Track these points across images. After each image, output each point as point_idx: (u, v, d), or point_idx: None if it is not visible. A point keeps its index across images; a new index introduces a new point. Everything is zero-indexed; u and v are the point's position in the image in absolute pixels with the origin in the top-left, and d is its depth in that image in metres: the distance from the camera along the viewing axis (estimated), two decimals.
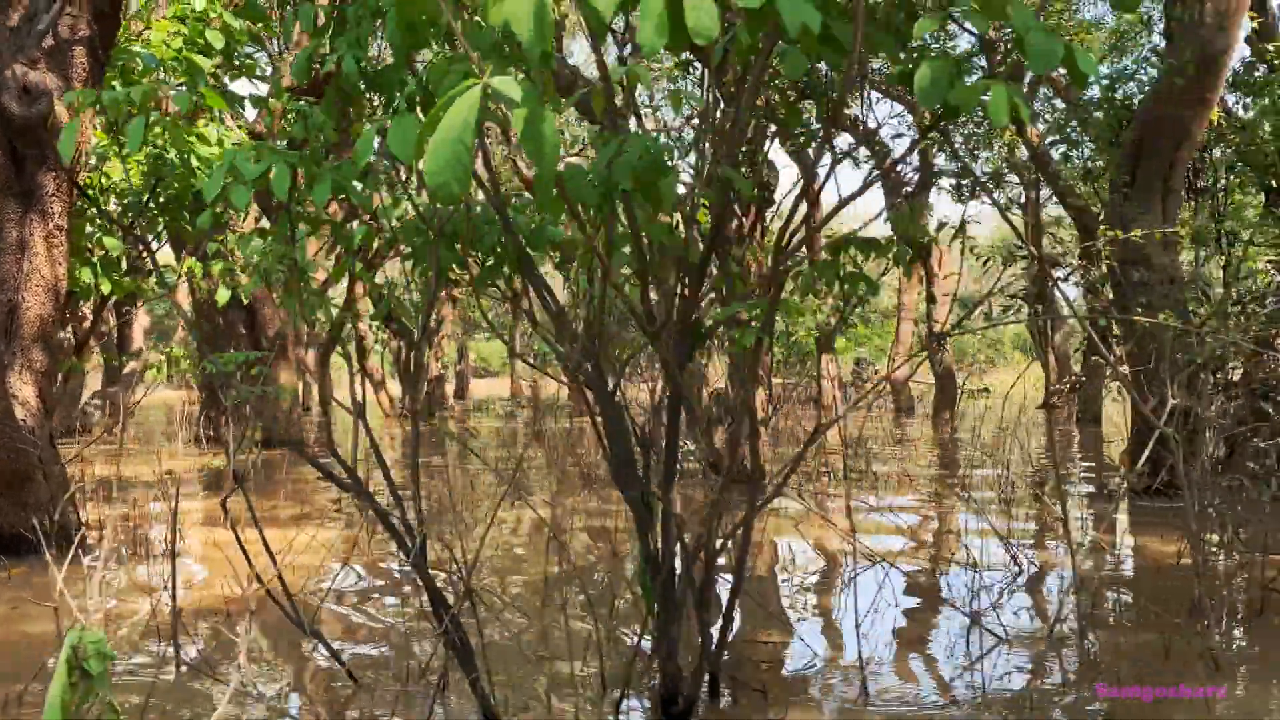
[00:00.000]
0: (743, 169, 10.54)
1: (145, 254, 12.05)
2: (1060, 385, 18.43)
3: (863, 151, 17.82)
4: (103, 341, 19.99)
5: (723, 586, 4.68)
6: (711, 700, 3.75)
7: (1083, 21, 13.30)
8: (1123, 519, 7.65)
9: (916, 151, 21.96)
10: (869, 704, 3.72)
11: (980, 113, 19.05)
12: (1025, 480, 9.26)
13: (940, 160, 20.54)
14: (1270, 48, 9.23)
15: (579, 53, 27.49)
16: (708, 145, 3.66)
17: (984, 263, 11.82)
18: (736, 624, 4.66)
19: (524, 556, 6.60)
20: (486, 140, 3.72)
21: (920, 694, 3.84)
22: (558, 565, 5.89)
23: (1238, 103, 9.87)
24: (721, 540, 3.78)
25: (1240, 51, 9.51)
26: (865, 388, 24.42)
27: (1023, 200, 20.38)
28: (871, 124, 22.53)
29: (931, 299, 20.36)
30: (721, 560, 4.44)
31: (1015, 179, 20.08)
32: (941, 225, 7.21)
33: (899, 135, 22.50)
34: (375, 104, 3.90)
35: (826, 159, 12.20)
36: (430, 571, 3.38)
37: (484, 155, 3.42)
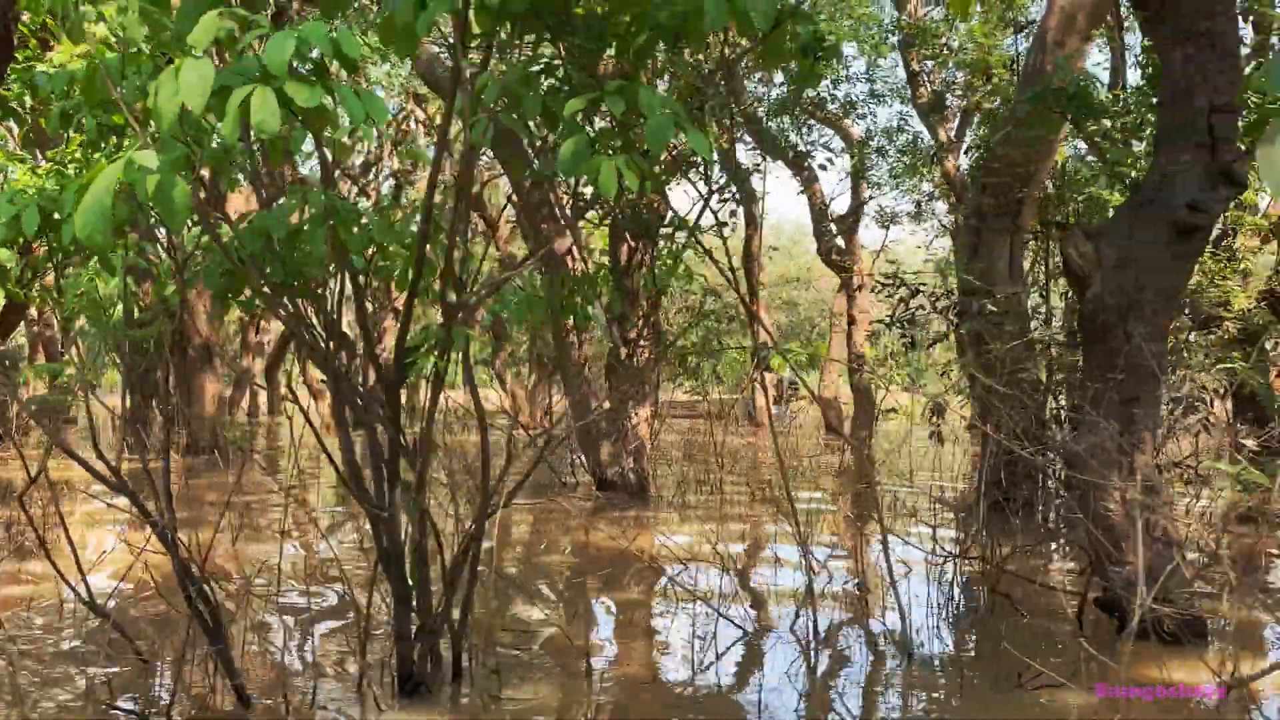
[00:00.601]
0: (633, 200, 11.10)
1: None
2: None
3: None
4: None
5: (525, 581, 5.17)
6: (454, 680, 4.24)
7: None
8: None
9: (850, 180, 22.67)
10: (592, 683, 4.23)
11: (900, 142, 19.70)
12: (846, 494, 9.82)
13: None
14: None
15: None
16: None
17: (872, 289, 12.42)
18: (509, 614, 5.16)
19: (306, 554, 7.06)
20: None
21: (640, 675, 4.36)
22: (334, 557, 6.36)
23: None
24: (466, 540, 4.27)
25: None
26: (793, 405, 25.01)
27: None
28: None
29: (852, 320, 20.99)
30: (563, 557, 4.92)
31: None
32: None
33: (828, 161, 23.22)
34: None
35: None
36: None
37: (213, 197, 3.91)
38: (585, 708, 3.98)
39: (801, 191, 22.11)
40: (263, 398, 33.57)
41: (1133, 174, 8.03)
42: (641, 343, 11.31)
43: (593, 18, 3.63)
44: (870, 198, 21.76)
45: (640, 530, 8.26)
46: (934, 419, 10.99)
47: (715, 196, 11.26)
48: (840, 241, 22.38)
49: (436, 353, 3.81)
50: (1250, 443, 7.95)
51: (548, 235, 11.24)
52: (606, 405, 11.44)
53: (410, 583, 4.23)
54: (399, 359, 3.72)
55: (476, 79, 3.63)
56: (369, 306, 3.88)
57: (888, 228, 21.19)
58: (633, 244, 11.35)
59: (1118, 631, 5.02)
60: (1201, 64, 4.91)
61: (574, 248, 11.35)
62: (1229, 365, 8.59)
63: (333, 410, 3.98)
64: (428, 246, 3.65)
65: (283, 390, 27.45)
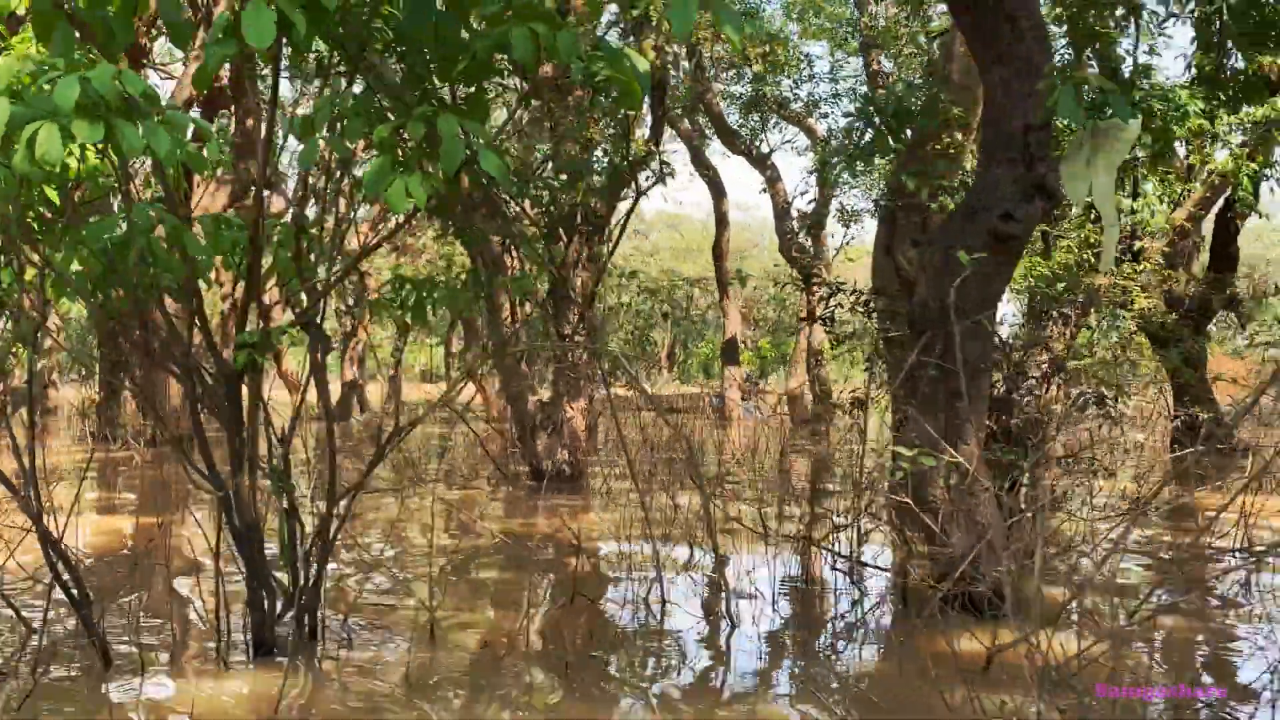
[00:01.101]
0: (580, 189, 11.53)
1: None
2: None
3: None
4: None
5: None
6: (310, 642, 4.67)
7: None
8: None
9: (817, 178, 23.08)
10: (437, 648, 4.67)
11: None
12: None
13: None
14: None
15: None
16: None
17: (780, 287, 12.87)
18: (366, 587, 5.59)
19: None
20: None
21: (482, 639, 4.79)
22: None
23: None
24: (321, 520, 4.70)
25: None
26: (762, 401, 25.44)
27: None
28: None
29: (812, 317, 21.41)
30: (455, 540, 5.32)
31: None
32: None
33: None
34: None
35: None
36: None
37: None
38: (420, 666, 4.41)
39: (763, 190, 22.56)
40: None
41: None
42: (576, 338, 11.74)
43: (413, 49, 4.05)
44: (833, 196, 22.15)
45: (554, 517, 8.68)
46: (853, 412, 11.46)
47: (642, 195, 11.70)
48: (805, 239, 22.83)
49: (258, 349, 4.19)
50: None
51: (485, 234, 11.66)
52: (543, 398, 11.89)
53: (281, 557, 4.70)
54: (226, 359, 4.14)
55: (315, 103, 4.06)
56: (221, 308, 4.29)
57: (848, 225, 21.59)
58: (573, 244, 11.79)
59: (941, 607, 5.45)
60: (1016, 85, 5.33)
61: (511, 245, 11.79)
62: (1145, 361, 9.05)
63: (182, 404, 4.40)
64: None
65: None
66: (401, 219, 4.20)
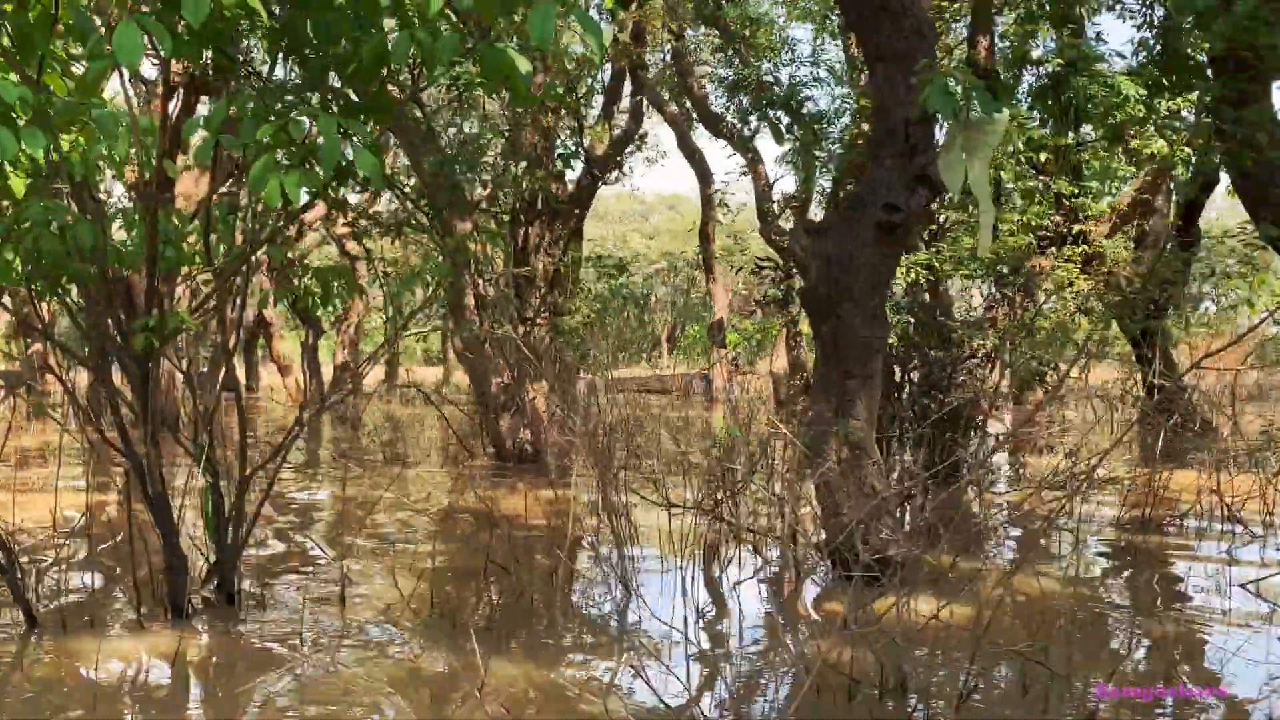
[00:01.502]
0: (538, 176, 11.85)
1: None
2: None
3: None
4: None
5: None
6: (229, 605, 5.03)
7: None
8: None
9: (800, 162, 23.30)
10: (347, 613, 5.03)
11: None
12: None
13: None
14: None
15: None
16: None
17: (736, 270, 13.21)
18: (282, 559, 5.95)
19: None
20: None
21: (386, 602, 5.15)
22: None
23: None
24: (238, 490, 5.05)
25: None
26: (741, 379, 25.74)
27: None
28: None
29: (764, 300, 21.77)
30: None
31: None
32: None
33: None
34: None
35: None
36: None
37: None
38: (319, 627, 4.77)
39: (744, 172, 22.79)
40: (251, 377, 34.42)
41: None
42: (538, 321, 12.08)
43: (304, 54, 4.38)
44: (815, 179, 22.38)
45: (513, 494, 9.03)
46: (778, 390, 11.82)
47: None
48: (785, 223, 23.09)
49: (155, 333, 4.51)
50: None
51: (450, 222, 12.00)
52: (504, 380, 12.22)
53: (206, 527, 5.07)
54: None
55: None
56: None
57: (826, 209, 21.83)
58: (531, 228, 12.12)
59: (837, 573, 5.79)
60: (898, 80, 5.63)
61: (474, 231, 12.11)
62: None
63: (91, 387, 4.75)
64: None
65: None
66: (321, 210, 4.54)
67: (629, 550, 5.84)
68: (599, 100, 17.18)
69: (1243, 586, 5.65)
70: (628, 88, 17.16)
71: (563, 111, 11.87)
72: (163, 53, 3.46)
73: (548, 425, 12.29)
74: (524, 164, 11.70)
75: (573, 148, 11.70)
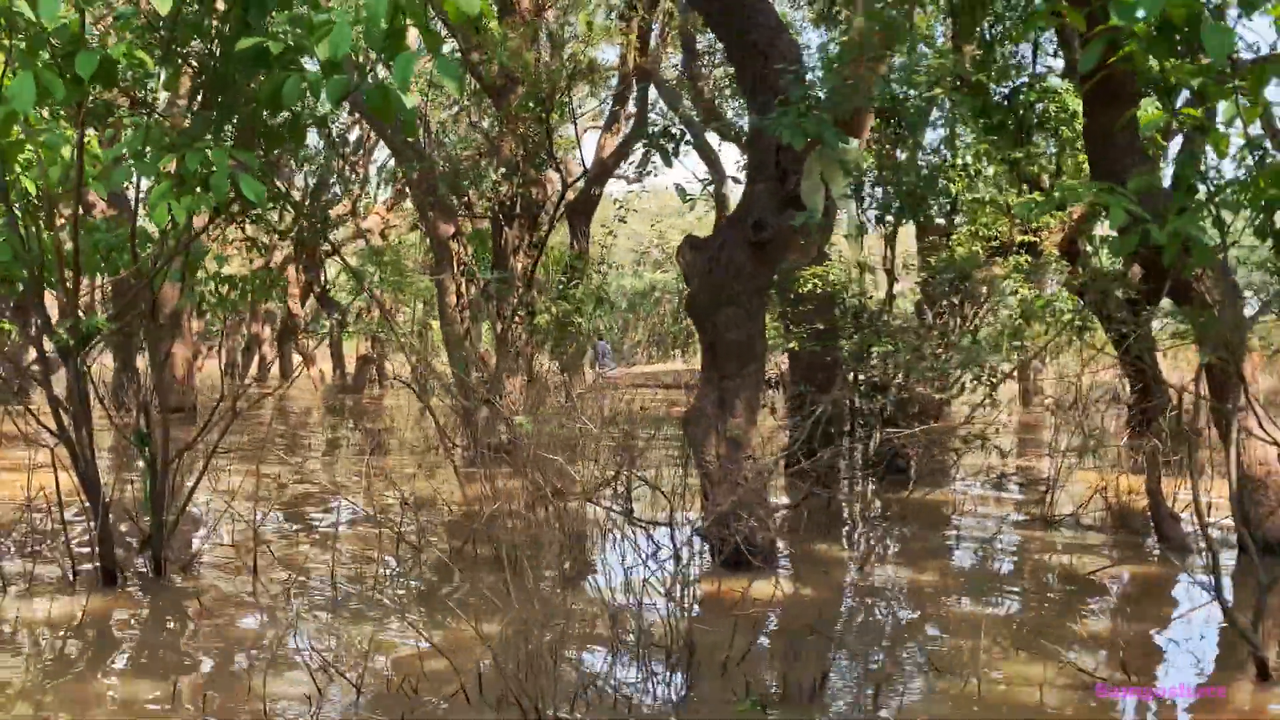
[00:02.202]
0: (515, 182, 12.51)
1: None
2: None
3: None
4: None
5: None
6: (156, 577, 5.72)
7: None
8: None
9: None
10: (257, 582, 5.71)
11: None
12: None
13: None
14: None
15: None
16: None
17: None
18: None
19: None
20: None
21: (303, 572, 5.82)
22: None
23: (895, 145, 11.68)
24: (162, 471, 5.74)
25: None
26: None
27: None
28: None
29: None
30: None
31: None
32: None
33: None
34: None
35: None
36: None
37: None
38: (225, 594, 5.45)
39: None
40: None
41: None
42: (516, 319, 12.73)
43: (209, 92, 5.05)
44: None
45: (469, 482, 9.66)
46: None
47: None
48: None
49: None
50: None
51: (435, 222, 12.70)
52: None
53: (145, 505, 5.77)
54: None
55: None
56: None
57: None
58: (512, 231, 12.77)
59: (713, 557, 6.37)
60: (770, 111, 6.18)
61: (457, 234, 12.80)
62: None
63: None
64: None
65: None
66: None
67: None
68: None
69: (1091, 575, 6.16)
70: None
71: (545, 118, 12.46)
72: (56, 98, 4.14)
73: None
74: (502, 170, 12.35)
75: (544, 157, 12.33)
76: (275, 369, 36.01)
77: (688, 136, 15.80)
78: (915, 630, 5.25)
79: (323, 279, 28.98)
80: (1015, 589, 6.20)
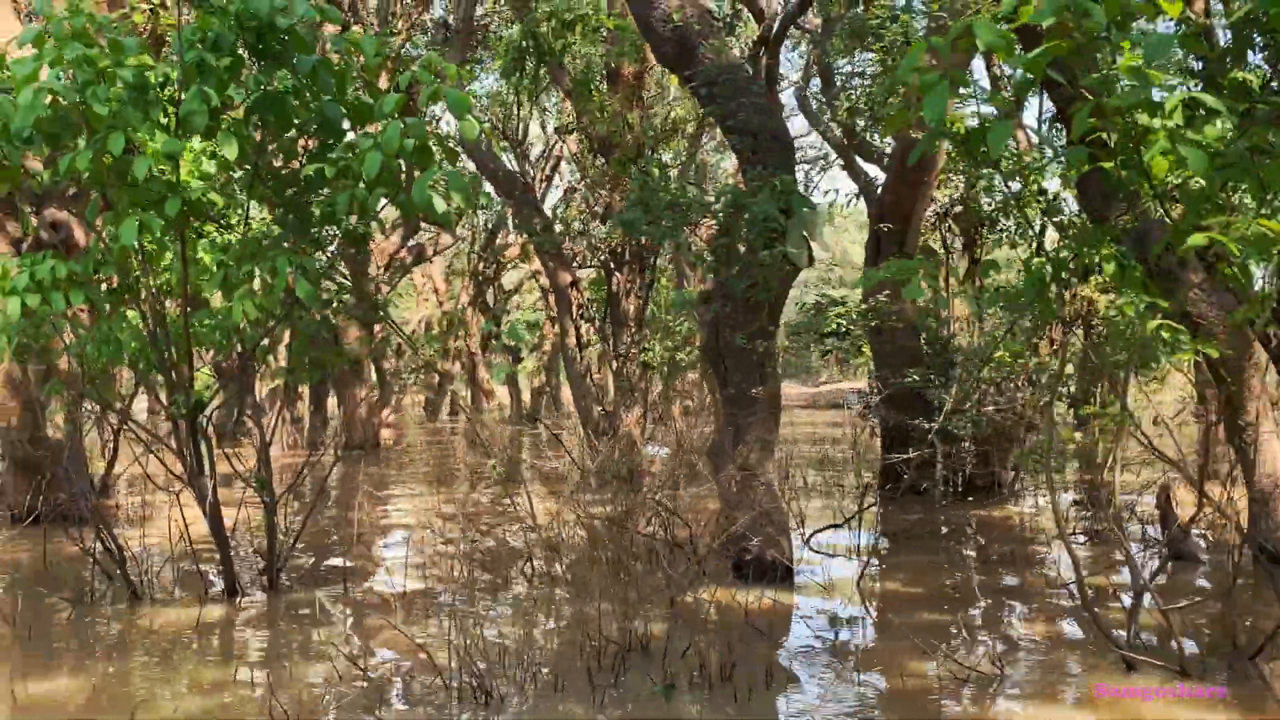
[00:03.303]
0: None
1: None
2: None
3: None
4: None
5: None
6: (271, 589, 7.15)
7: None
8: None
9: None
10: (348, 591, 7.05)
11: None
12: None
13: None
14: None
15: None
16: None
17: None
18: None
19: None
20: None
21: (372, 597, 7.12)
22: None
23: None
24: (272, 506, 7.16)
25: None
26: None
27: None
28: None
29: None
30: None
31: None
32: None
33: None
34: None
35: None
36: None
37: None
38: (319, 606, 6.80)
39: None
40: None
41: None
42: (630, 354, 13.91)
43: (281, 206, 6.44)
44: None
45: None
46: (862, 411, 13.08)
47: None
48: None
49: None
50: None
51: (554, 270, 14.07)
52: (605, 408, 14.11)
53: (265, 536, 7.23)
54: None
55: None
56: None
57: None
58: (621, 276, 13.97)
59: (733, 571, 7.28)
60: (762, 180, 7.08)
61: (575, 282, 14.11)
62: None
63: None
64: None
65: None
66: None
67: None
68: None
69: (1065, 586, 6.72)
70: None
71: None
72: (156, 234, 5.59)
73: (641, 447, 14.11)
74: (610, 221, 13.58)
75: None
76: (464, 403, 38.65)
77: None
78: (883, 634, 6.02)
79: (499, 320, 31.26)
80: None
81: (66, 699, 5.01)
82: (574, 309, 14.05)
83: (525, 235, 14.50)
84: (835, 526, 8.53)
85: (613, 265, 13.91)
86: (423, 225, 22.50)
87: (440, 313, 32.91)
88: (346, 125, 6.30)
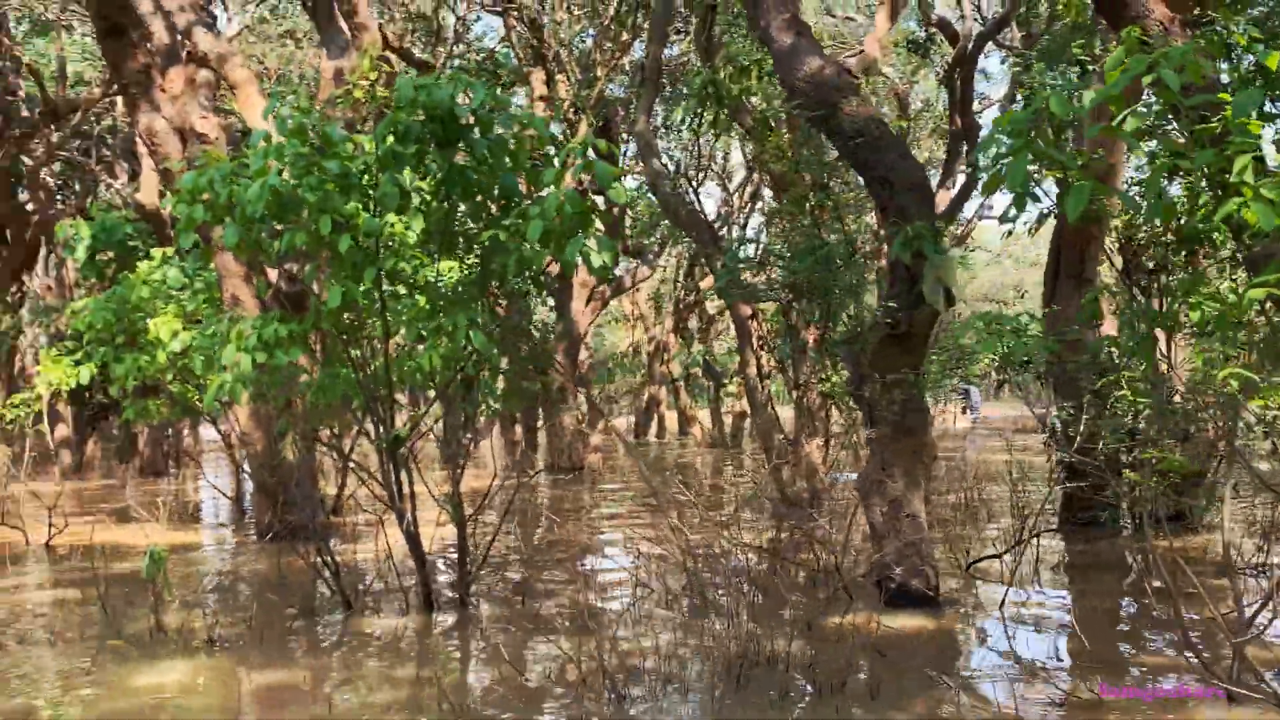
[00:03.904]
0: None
1: None
2: None
3: None
4: None
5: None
6: (461, 606, 8.10)
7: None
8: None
9: None
10: (528, 605, 7.91)
11: None
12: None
13: None
14: None
15: None
16: None
17: None
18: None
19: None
20: None
21: (552, 612, 7.93)
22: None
23: None
24: (461, 527, 8.12)
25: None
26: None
27: None
28: None
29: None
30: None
31: None
32: None
33: None
34: None
35: None
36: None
37: None
38: (501, 618, 7.66)
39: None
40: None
41: None
42: (811, 384, 14.34)
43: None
44: None
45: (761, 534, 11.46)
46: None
47: None
48: None
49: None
50: None
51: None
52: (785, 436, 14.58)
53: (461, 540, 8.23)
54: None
55: None
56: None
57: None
58: (800, 308, 14.43)
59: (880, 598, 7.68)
60: (892, 230, 7.50)
61: (755, 314, 14.70)
62: None
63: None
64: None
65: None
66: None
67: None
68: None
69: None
70: None
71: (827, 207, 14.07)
72: (358, 300, 6.63)
73: (823, 474, 14.49)
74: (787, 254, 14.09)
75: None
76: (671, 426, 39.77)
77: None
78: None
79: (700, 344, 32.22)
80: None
81: (281, 687, 6.05)
82: (754, 340, 14.63)
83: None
84: (995, 556, 8.73)
85: (792, 297, 14.41)
86: (622, 258, 23.68)
87: (646, 339, 34.24)
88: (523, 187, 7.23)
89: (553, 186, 6.90)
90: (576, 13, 22.39)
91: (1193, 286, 6.75)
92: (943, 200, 20.12)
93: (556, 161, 6.98)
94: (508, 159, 7.14)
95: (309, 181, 6.43)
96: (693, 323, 33.77)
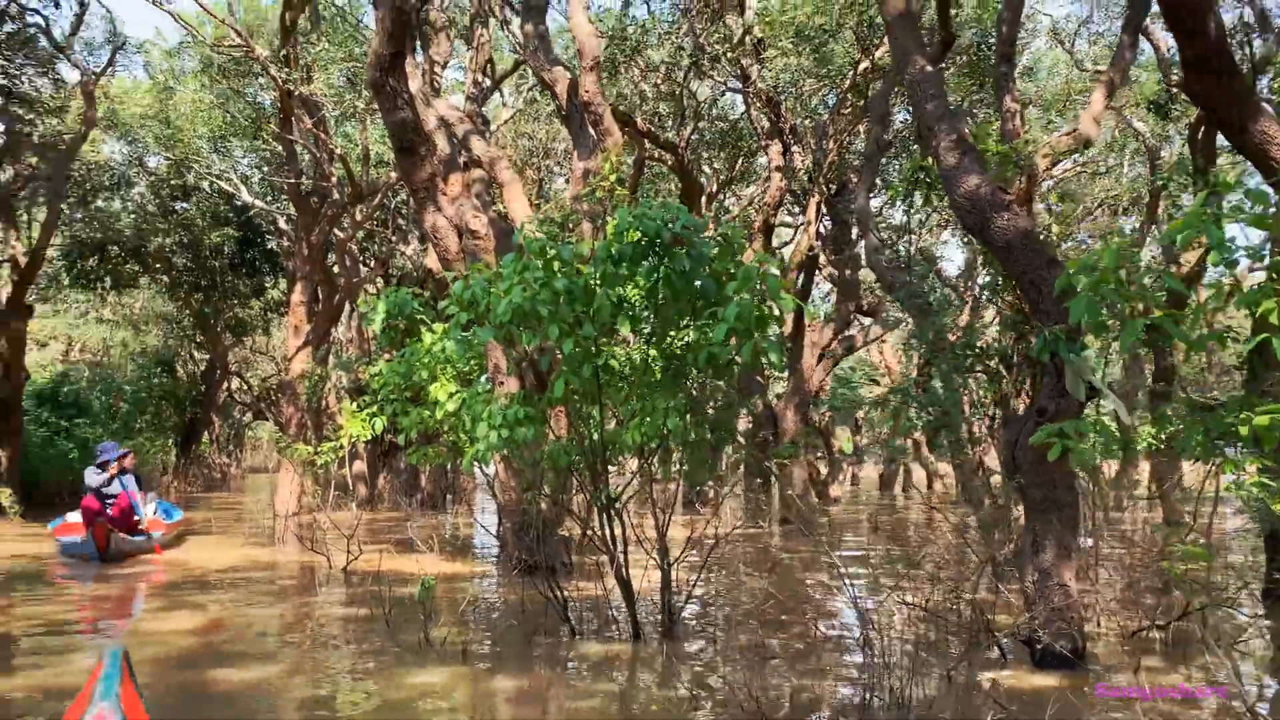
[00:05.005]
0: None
1: None
2: None
3: None
4: None
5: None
6: (665, 635, 9.63)
7: None
8: None
9: None
10: (728, 643, 9.36)
11: None
12: None
13: None
14: None
15: None
16: None
17: None
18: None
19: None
20: None
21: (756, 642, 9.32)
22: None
23: None
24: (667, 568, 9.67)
25: None
26: None
27: None
28: None
29: None
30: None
31: None
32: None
33: None
34: None
35: None
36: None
37: None
38: (703, 649, 9.11)
39: None
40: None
41: None
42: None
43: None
44: None
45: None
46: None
47: None
48: None
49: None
50: None
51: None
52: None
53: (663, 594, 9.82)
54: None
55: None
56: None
57: None
58: (1011, 376, 15.10)
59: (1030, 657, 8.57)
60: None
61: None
62: None
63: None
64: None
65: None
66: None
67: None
68: None
69: None
70: None
71: None
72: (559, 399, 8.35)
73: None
74: (997, 326, 14.84)
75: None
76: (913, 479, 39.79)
77: None
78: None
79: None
80: None
81: (514, 690, 7.78)
82: (964, 406, 15.42)
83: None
84: (1144, 630, 9.34)
85: (1001, 366, 15.12)
86: (855, 318, 24.73)
87: (889, 390, 34.81)
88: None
89: (737, 295, 8.36)
90: (814, 87, 23.86)
91: None
92: None
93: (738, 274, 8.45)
94: (705, 269, 8.69)
95: (541, 297, 8.22)
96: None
